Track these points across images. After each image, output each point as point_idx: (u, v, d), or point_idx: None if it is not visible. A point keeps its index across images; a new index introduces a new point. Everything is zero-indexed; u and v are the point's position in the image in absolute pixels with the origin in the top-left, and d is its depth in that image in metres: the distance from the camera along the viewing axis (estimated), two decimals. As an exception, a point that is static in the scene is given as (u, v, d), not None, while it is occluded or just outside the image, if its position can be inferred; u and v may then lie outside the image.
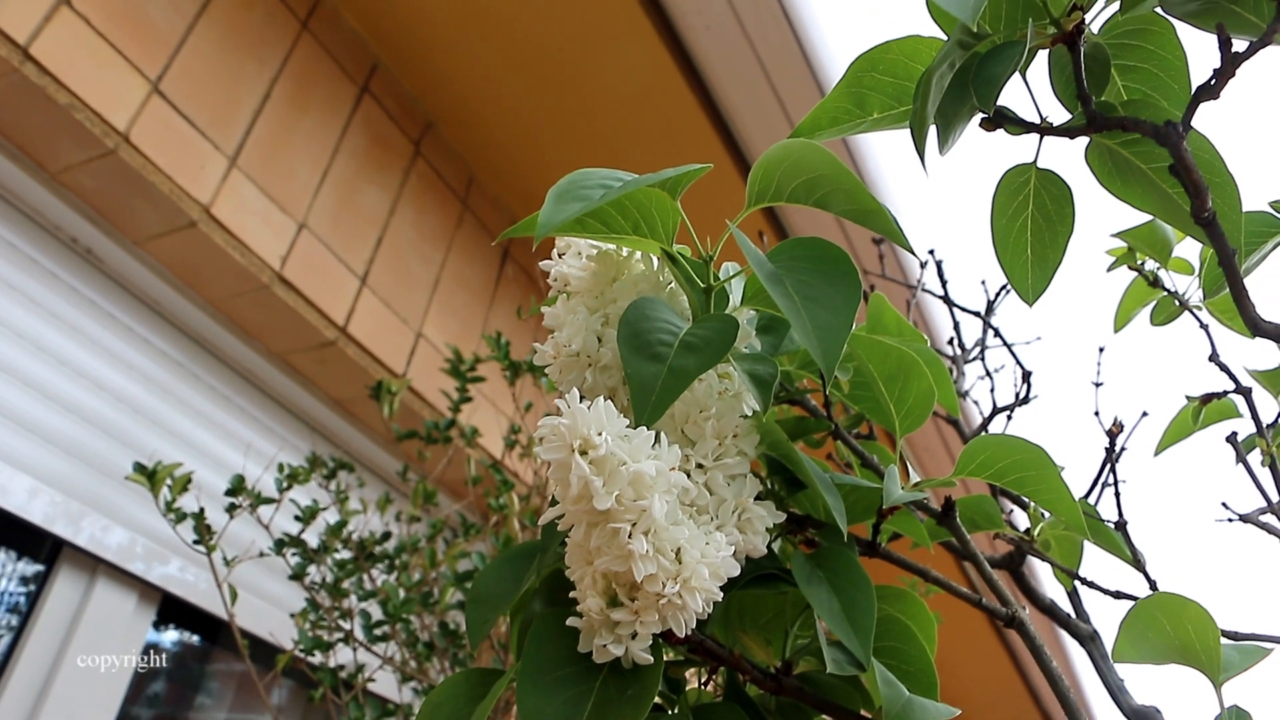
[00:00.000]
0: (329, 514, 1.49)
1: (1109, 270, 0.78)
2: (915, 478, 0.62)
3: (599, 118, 1.95)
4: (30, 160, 1.45)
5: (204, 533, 1.27)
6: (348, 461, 1.51)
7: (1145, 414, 0.87)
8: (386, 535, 1.42)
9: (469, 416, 1.89)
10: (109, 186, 1.47)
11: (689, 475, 0.51)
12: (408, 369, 1.83)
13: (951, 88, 0.51)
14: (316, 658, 1.35)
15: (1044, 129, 0.52)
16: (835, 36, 1.70)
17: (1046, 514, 0.74)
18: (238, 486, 1.24)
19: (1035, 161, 0.55)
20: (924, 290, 1.06)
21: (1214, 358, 0.72)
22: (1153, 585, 0.66)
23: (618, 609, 0.49)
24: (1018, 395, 0.93)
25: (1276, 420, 0.76)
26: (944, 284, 0.97)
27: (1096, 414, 0.93)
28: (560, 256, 0.63)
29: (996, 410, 0.94)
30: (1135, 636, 0.48)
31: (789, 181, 0.53)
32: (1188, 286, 0.77)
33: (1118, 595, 0.69)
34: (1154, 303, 0.79)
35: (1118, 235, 0.75)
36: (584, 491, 0.46)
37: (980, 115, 0.54)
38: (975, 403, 1.00)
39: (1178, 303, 0.76)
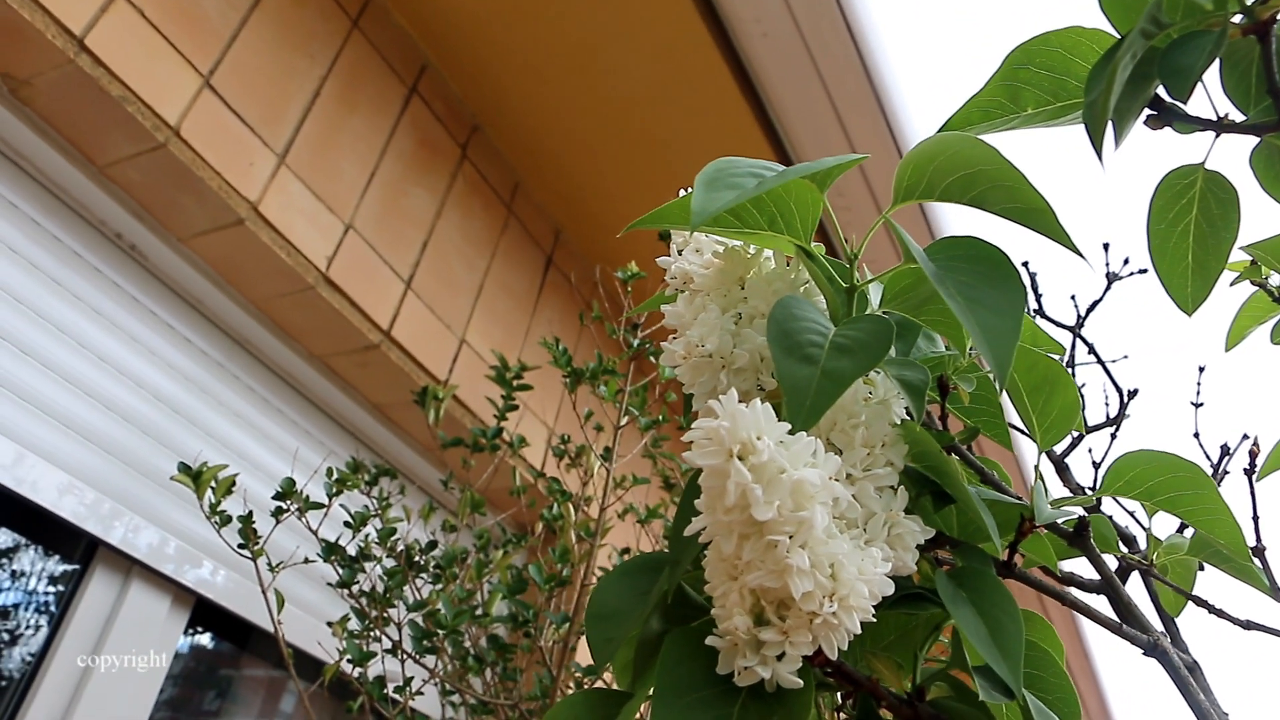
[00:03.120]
0: (370, 522, 1.46)
1: (1232, 285, 0.75)
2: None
3: (649, 125, 1.92)
4: (79, 154, 1.43)
5: (250, 537, 1.24)
6: (389, 468, 1.48)
7: (1246, 436, 0.83)
8: (433, 544, 1.38)
9: (512, 426, 1.86)
10: (156, 181, 1.45)
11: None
12: (450, 375, 1.80)
13: (1129, 80, 0.47)
14: (358, 669, 1.31)
15: (1223, 126, 0.49)
16: (898, 51, 1.67)
17: (1163, 537, 0.71)
18: (288, 490, 1.21)
19: (1204, 162, 0.51)
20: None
21: (1348, 378, 0.69)
22: (1291, 616, 0.63)
23: (765, 628, 0.45)
24: (1109, 416, 0.90)
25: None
26: (1038, 297, 0.93)
27: (1196, 435, 0.89)
28: (679, 252, 0.60)
29: (1089, 429, 0.90)
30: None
31: (944, 177, 0.50)
32: (1315, 304, 0.73)
33: (1248, 625, 0.66)
34: (1275, 320, 0.76)
35: (1245, 249, 0.71)
36: (742, 500, 0.43)
37: (1147, 113, 0.51)
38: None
39: (1305, 320, 0.73)
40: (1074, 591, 0.63)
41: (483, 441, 1.53)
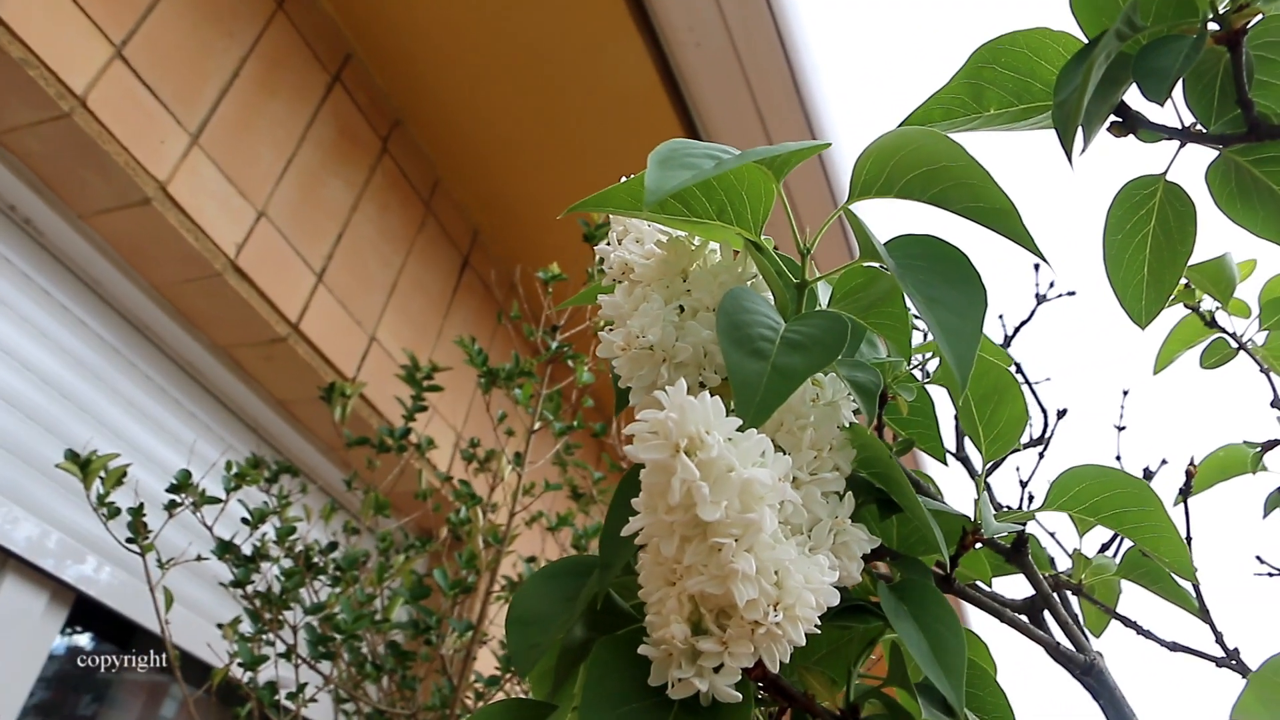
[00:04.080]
0: (269, 520, 1.40)
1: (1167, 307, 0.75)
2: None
3: (575, 129, 1.89)
4: (-28, 118, 1.34)
5: (140, 530, 1.17)
6: (291, 465, 1.42)
7: (1165, 461, 0.83)
8: (333, 545, 1.33)
9: (420, 428, 1.80)
10: (58, 153, 1.37)
11: (784, 489, 0.45)
12: (358, 373, 1.74)
13: (1099, 83, 0.46)
14: (248, 674, 1.25)
15: (1188, 136, 0.47)
16: (829, 68, 1.67)
17: (1092, 556, 0.70)
18: (183, 482, 1.14)
19: (1165, 173, 0.50)
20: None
21: (1278, 403, 0.69)
22: (1219, 638, 0.62)
23: (704, 638, 0.42)
24: (1032, 436, 0.89)
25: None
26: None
27: (1118, 458, 0.89)
28: (619, 241, 0.57)
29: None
30: (1267, 695, 0.44)
31: (904, 172, 0.48)
32: (1245, 329, 0.74)
33: (1174, 647, 0.65)
34: (1205, 344, 0.76)
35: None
36: (686, 499, 0.40)
37: (1111, 120, 0.50)
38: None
39: (1235, 344, 0.73)
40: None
41: (389, 441, 1.47)
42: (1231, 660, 0.62)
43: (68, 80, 1.29)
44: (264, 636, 1.27)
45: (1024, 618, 0.62)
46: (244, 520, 1.22)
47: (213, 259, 1.48)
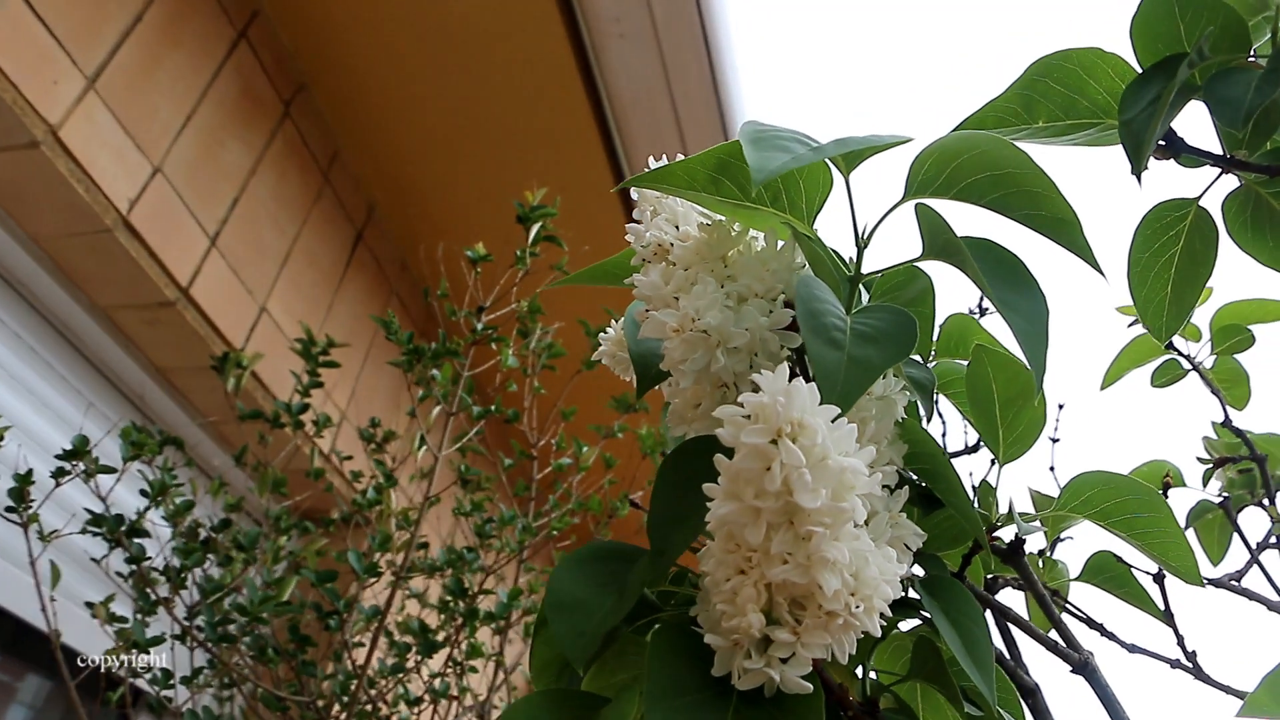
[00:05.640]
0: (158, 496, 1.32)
1: (1129, 326, 0.79)
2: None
3: (483, 109, 1.86)
4: None
5: (24, 499, 1.09)
6: (177, 437, 1.35)
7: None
8: (226, 523, 1.27)
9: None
10: (-62, 86, 1.26)
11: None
12: (246, 344, 1.67)
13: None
14: (126, 657, 1.18)
15: (1231, 163, 0.50)
16: (749, 71, 1.69)
17: (1064, 563, 0.73)
18: (80, 448, 1.07)
19: (1199, 198, 0.53)
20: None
21: (1227, 423, 0.73)
22: (1180, 641, 0.66)
23: (776, 627, 0.42)
24: (967, 444, 0.92)
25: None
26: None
27: (1052, 469, 0.93)
28: (651, 218, 0.56)
29: (951, 454, 0.92)
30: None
31: (965, 175, 0.48)
32: (1197, 352, 0.78)
33: (1132, 649, 0.68)
34: (1156, 364, 0.80)
35: (1147, 293, 0.75)
36: (785, 486, 0.39)
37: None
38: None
39: (1189, 365, 0.77)
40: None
41: (285, 417, 1.41)
42: (1188, 663, 0.66)
43: (-42, 7, 1.19)
44: (143, 618, 1.20)
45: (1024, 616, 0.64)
46: (143, 492, 1.15)
47: (103, 213, 1.39)
